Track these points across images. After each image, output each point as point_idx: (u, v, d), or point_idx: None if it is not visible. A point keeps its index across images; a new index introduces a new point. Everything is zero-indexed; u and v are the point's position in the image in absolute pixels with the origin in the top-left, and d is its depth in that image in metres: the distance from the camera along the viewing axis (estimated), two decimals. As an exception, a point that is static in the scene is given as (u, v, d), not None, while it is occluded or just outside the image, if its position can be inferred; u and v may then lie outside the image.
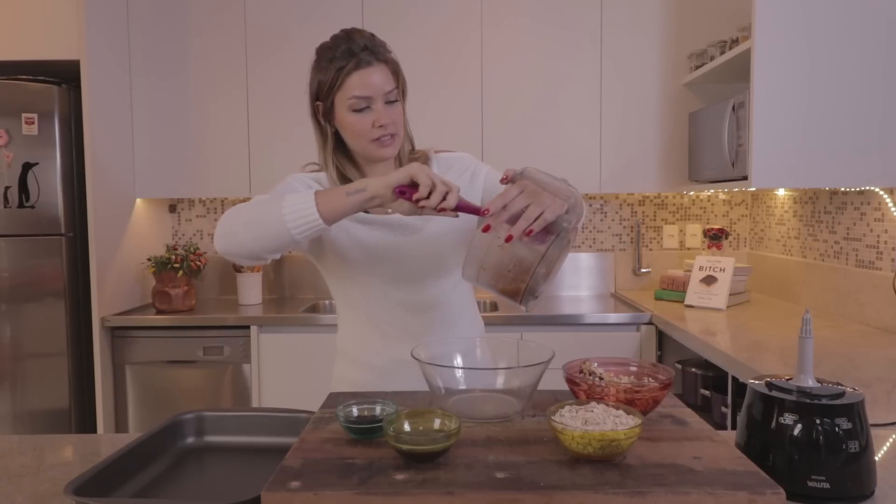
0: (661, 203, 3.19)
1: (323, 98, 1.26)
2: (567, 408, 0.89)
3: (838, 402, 0.84)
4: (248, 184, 2.93)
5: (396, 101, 1.27)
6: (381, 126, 1.24)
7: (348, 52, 1.22)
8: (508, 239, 0.96)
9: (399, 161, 1.36)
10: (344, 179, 1.31)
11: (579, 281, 3.18)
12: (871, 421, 0.89)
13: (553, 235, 0.99)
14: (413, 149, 1.39)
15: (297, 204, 1.06)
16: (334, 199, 1.05)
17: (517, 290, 1.00)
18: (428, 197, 1.02)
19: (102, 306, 2.65)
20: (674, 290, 2.80)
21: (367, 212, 1.29)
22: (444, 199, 1.02)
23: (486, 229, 0.98)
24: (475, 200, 1.36)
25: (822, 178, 2.11)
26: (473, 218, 1.35)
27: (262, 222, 1.07)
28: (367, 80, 1.22)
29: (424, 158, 1.37)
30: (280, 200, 1.07)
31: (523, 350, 1.11)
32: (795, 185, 2.15)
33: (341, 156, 1.32)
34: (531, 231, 0.96)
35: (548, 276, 1.01)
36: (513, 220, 0.97)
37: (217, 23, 2.89)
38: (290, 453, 0.85)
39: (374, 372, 1.35)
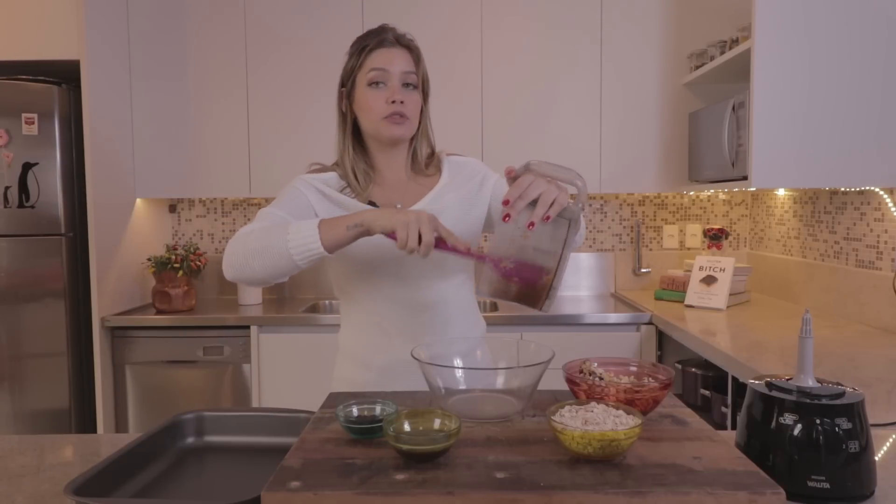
0: (661, 203, 3.19)
1: (347, 81, 1.33)
2: (567, 408, 0.89)
3: (838, 402, 0.84)
4: (248, 184, 2.93)
5: (415, 87, 1.31)
6: (393, 102, 1.27)
7: (375, 35, 1.30)
8: (531, 226, 0.99)
9: (415, 159, 1.38)
10: (353, 175, 1.33)
11: (579, 281, 3.18)
12: (871, 421, 0.89)
13: (567, 221, 1.01)
14: (433, 152, 1.42)
15: (301, 235, 1.11)
16: (336, 232, 1.11)
17: (544, 286, 1.00)
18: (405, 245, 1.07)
19: (102, 306, 2.65)
20: (674, 290, 2.80)
21: (375, 204, 1.31)
22: (417, 249, 1.06)
23: (506, 219, 1.00)
24: (482, 206, 1.39)
25: (822, 178, 2.11)
26: (479, 222, 1.37)
27: (268, 253, 1.13)
28: (388, 58, 1.28)
29: (437, 160, 1.40)
30: (285, 231, 1.12)
31: (523, 350, 1.11)
32: (795, 185, 2.15)
33: (357, 148, 1.36)
34: (548, 217, 0.99)
35: (561, 275, 1.03)
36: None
37: (217, 23, 2.89)
38: (290, 453, 0.85)
39: (374, 371, 1.35)
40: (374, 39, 1.29)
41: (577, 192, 1.03)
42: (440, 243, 1.08)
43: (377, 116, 1.28)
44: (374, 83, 1.28)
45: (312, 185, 1.32)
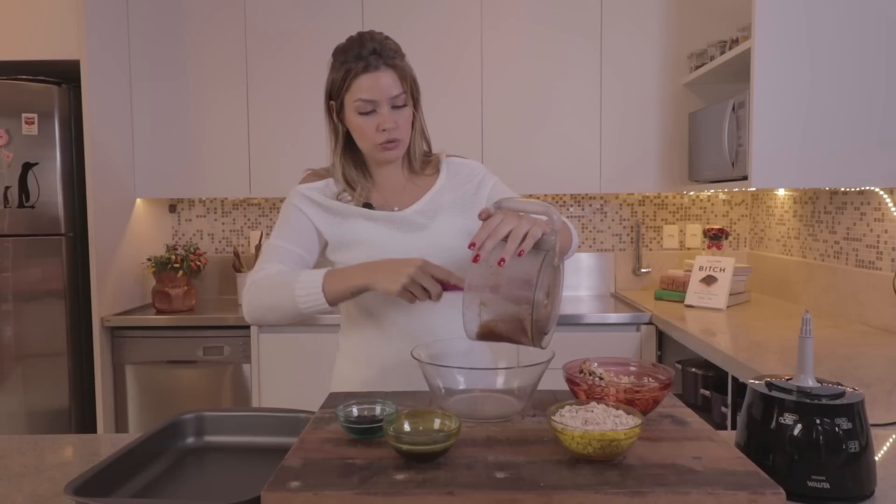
0: (661, 203, 3.19)
1: (335, 97, 1.31)
2: (567, 408, 0.89)
3: (838, 402, 0.84)
4: (248, 184, 2.93)
5: (404, 105, 1.29)
6: (384, 130, 1.27)
7: (358, 55, 1.25)
8: (501, 262, 0.95)
9: (411, 163, 1.39)
10: (347, 183, 1.34)
11: (579, 281, 3.18)
12: (871, 421, 0.89)
13: (543, 253, 0.99)
14: (430, 151, 1.43)
15: (308, 293, 1.20)
16: (340, 291, 1.20)
17: (523, 320, 0.97)
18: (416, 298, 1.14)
19: (102, 306, 2.65)
20: (674, 290, 2.80)
21: (372, 207, 1.31)
22: (428, 298, 1.14)
23: (476, 259, 0.98)
24: (478, 210, 1.37)
25: (822, 178, 2.11)
26: (475, 225, 1.36)
27: (281, 310, 1.23)
28: (373, 84, 1.25)
29: (436, 161, 1.41)
30: (293, 290, 1.20)
31: (523, 350, 1.10)
32: (795, 185, 2.15)
33: (350, 156, 1.36)
34: (522, 251, 0.96)
35: (551, 306, 1.01)
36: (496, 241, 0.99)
37: (217, 23, 2.89)
38: (290, 453, 0.85)
39: (375, 370, 1.35)
40: (357, 63, 1.25)
41: (552, 223, 1.01)
42: (444, 285, 1.12)
43: (370, 142, 1.29)
44: (363, 112, 1.27)
45: (309, 198, 1.33)
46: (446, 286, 1.13)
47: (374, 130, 1.27)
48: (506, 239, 0.97)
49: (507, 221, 0.98)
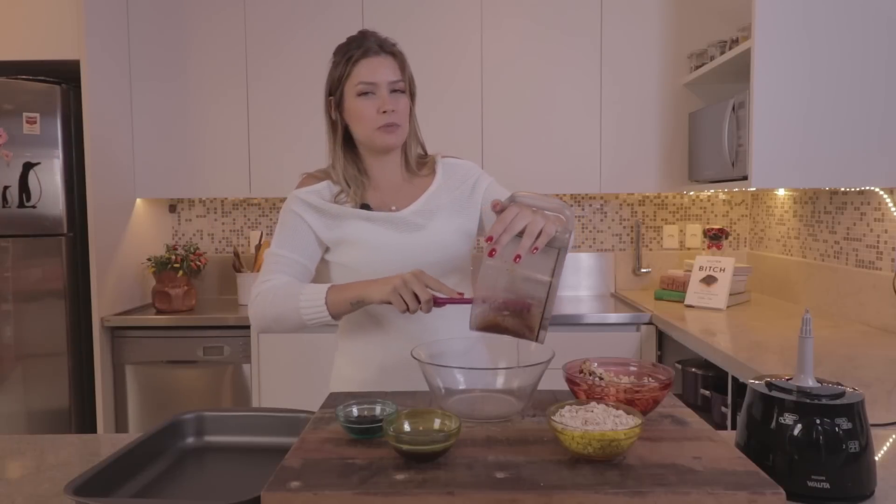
0: (661, 203, 3.19)
1: (334, 91, 1.34)
2: (567, 408, 0.89)
3: (838, 402, 0.85)
4: (248, 184, 2.93)
5: (402, 92, 1.32)
6: (384, 112, 1.29)
7: (359, 44, 1.31)
8: (517, 259, 0.97)
9: (407, 161, 1.39)
10: (346, 181, 1.35)
11: (579, 281, 3.18)
12: (871, 421, 0.89)
13: (556, 251, 0.99)
14: (425, 153, 1.44)
15: (312, 308, 1.24)
16: (340, 305, 1.23)
17: (535, 317, 0.98)
18: (407, 308, 1.16)
19: (102, 306, 2.65)
20: (674, 290, 2.80)
21: (370, 208, 1.32)
22: (419, 307, 1.15)
23: (492, 254, 0.99)
24: (474, 211, 1.40)
25: (822, 178, 2.11)
26: (471, 225, 1.38)
27: (287, 322, 1.26)
28: (374, 68, 1.29)
29: (432, 162, 1.42)
30: (297, 305, 1.23)
31: (523, 350, 1.11)
32: (795, 185, 2.15)
33: (348, 155, 1.37)
34: (536, 248, 0.97)
35: (553, 303, 1.02)
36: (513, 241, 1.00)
37: (217, 23, 2.89)
38: (290, 453, 0.85)
39: (373, 370, 1.35)
40: (359, 50, 1.30)
41: (566, 221, 1.02)
42: (436, 298, 1.14)
43: (370, 127, 1.31)
44: (363, 94, 1.29)
45: (307, 203, 1.34)
46: (439, 300, 1.14)
47: (374, 113, 1.29)
48: (520, 235, 0.98)
49: (522, 216, 0.99)
